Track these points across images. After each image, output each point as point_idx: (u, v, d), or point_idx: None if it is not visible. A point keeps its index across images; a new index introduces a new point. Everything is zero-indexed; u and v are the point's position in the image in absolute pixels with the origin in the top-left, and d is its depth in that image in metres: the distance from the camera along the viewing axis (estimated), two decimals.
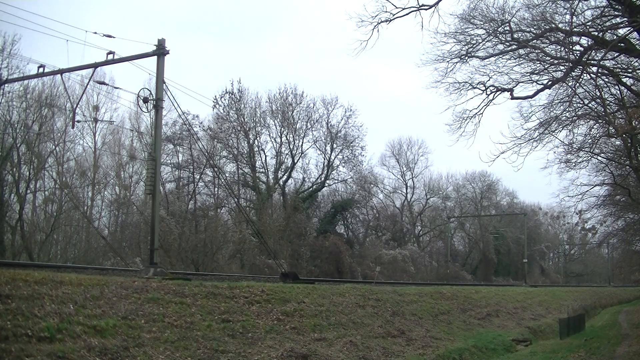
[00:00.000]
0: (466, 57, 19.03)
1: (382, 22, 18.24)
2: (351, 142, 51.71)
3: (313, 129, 51.15)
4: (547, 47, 17.99)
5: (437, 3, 17.87)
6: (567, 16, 17.01)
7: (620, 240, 46.33)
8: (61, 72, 22.05)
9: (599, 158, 26.15)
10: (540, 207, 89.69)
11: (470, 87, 19.58)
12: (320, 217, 55.94)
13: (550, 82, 18.73)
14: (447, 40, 18.95)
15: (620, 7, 16.60)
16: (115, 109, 48.32)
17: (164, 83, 19.84)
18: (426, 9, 17.97)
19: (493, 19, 18.40)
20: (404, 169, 72.78)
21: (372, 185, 62.40)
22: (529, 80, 19.19)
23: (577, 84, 17.95)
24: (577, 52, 17.40)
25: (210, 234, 37.28)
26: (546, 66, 18.50)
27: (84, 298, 12.17)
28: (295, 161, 50.99)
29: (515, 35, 18.28)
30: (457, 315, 26.05)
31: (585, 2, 17.29)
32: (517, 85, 19.31)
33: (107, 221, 44.63)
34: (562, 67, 18.08)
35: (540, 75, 18.93)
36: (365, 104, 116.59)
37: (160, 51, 19.64)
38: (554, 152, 23.04)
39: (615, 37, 16.86)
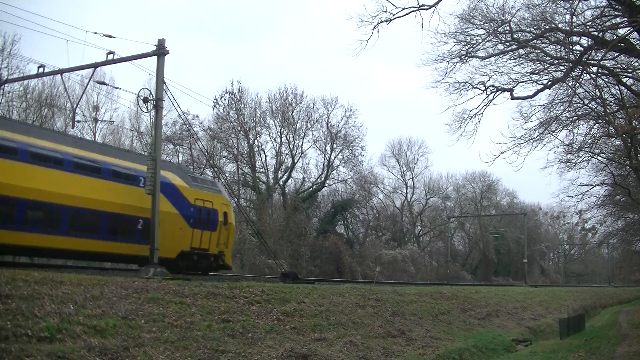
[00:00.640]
0: (466, 57, 19.01)
1: (382, 22, 18.22)
2: (351, 142, 51.84)
3: (313, 129, 51.33)
4: (547, 47, 17.99)
5: (437, 3, 17.86)
6: (567, 16, 17.03)
7: (620, 240, 46.26)
8: (61, 72, 22.10)
9: (599, 158, 26.13)
10: (540, 207, 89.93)
11: (470, 87, 19.55)
12: (320, 217, 55.96)
13: (550, 82, 18.72)
14: (447, 40, 18.96)
15: (620, 7, 16.58)
16: (115, 109, 48.61)
17: (164, 83, 19.89)
18: (426, 9, 17.97)
19: (493, 19, 18.39)
20: (404, 169, 73.03)
21: (372, 185, 62.50)
22: (529, 80, 19.19)
23: (577, 84, 17.95)
24: (577, 52, 17.39)
25: None
26: (546, 66, 18.48)
27: (84, 298, 12.17)
28: (295, 161, 51.13)
29: (515, 35, 18.27)
30: (457, 315, 26.04)
31: (585, 2, 17.30)
32: (517, 85, 19.31)
33: None
34: (562, 67, 18.06)
35: (540, 75, 18.92)
36: (365, 104, 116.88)
37: (160, 51, 19.68)
38: (554, 152, 22.99)
39: (615, 37, 16.85)
